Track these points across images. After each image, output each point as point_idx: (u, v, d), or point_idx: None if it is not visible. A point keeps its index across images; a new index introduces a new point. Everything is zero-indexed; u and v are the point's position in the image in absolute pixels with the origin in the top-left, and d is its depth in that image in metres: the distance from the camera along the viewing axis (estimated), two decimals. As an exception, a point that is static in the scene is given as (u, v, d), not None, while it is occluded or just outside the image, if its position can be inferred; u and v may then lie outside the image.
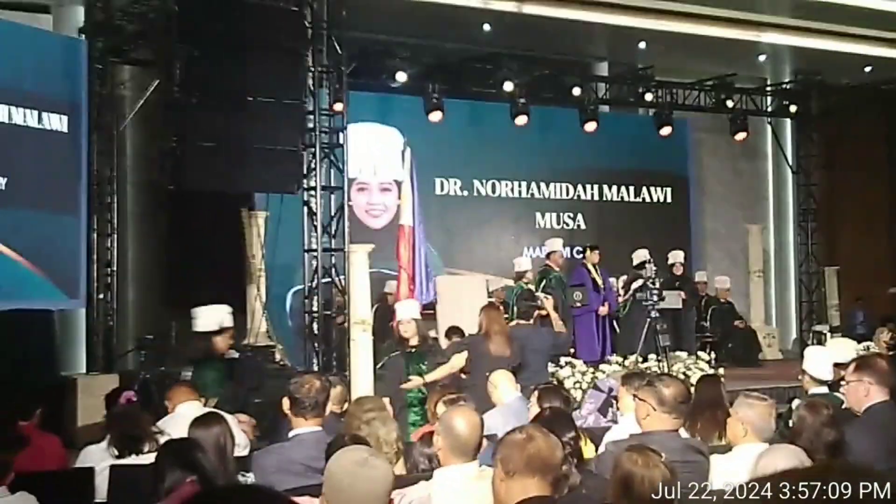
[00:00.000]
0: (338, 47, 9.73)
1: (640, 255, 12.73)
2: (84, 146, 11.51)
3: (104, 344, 11.91)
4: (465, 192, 15.07)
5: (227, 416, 5.16)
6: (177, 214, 12.81)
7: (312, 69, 9.64)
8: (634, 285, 12.49)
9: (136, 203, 13.45)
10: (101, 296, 11.95)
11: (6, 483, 4.20)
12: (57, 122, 11.12)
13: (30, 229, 10.70)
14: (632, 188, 16.48)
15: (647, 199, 16.66)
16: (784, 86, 17.17)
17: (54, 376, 10.71)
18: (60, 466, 5.55)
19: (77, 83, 11.47)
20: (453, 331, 9.57)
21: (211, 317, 7.79)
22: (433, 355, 7.99)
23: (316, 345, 9.61)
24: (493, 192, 15.30)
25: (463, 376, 8.13)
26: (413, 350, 7.92)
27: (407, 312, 8.18)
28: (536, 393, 5.73)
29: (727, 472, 4.30)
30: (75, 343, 12.23)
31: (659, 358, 10.72)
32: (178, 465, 4.04)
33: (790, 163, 17.96)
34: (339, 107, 9.87)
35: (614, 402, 7.15)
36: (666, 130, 15.84)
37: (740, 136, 16.51)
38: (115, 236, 12.23)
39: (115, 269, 12.17)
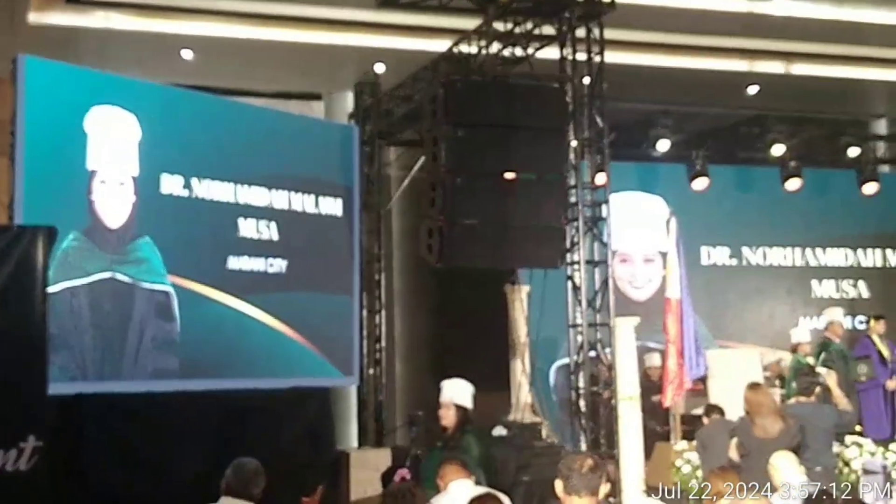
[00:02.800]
0: (599, 120, 9.65)
1: None
2: (357, 227, 12.05)
3: (375, 419, 12.25)
4: (734, 261, 14.51)
5: (500, 495, 5.09)
6: (442, 290, 13.11)
7: (574, 143, 9.62)
8: None
9: (402, 280, 13.89)
10: (371, 371, 12.33)
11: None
12: (332, 206, 11.71)
13: (308, 310, 11.27)
14: (919, 252, 15.33)
15: (938, 264, 15.43)
16: None
17: (331, 451, 11.10)
18: (337, 542, 5.65)
19: (349, 167, 12.08)
20: (712, 409, 9.13)
21: None
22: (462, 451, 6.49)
23: (583, 422, 9.41)
24: (765, 260, 14.64)
25: (737, 459, 7.75)
26: (441, 445, 6.84)
27: (449, 393, 6.97)
28: None
29: None
30: (347, 418, 12.67)
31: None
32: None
33: None
34: (601, 179, 9.76)
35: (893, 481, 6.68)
36: (955, 189, 14.69)
37: None
38: (384, 313, 12.62)
39: (383, 345, 12.55)
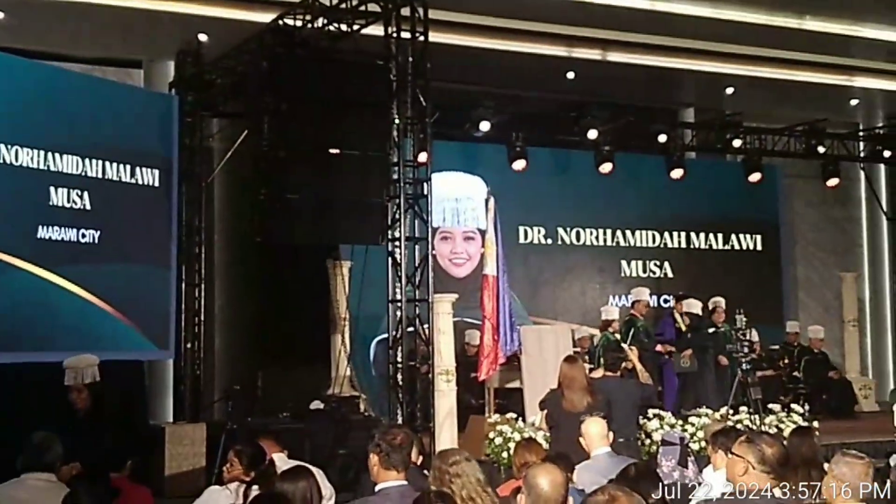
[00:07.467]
0: (422, 99, 9.78)
1: (711, 302, 12.74)
2: (175, 200, 11.78)
3: (192, 393, 12.05)
4: (550, 241, 14.97)
5: (314, 469, 5.14)
6: (263, 265, 12.98)
7: (397, 121, 9.72)
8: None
9: (223, 253, 13.67)
10: (189, 345, 12.11)
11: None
12: (149, 177, 11.40)
13: (122, 282, 10.95)
14: (720, 235, 16.19)
15: (737, 247, 16.34)
16: (877, 130, 16.78)
17: (144, 426, 10.85)
18: (151, 518, 5.55)
19: (168, 138, 11.77)
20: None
21: None
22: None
23: (400, 395, 9.57)
24: (578, 240, 15.18)
25: (547, 432, 8.04)
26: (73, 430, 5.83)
27: (81, 373, 6.17)
28: None
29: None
30: (163, 392, 12.42)
31: (751, 411, 10.49)
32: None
33: (884, 209, 17.52)
34: (423, 157, 9.90)
35: (689, 453, 7.04)
36: (755, 177, 15.60)
37: (832, 181, 16.21)
38: (203, 286, 12.42)
39: (202, 318, 12.34)
